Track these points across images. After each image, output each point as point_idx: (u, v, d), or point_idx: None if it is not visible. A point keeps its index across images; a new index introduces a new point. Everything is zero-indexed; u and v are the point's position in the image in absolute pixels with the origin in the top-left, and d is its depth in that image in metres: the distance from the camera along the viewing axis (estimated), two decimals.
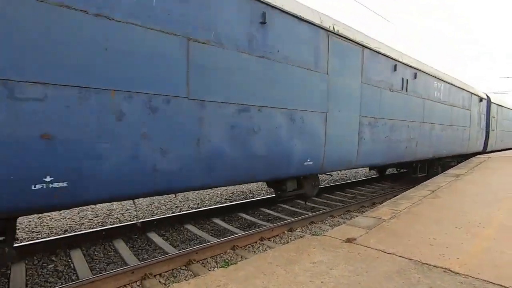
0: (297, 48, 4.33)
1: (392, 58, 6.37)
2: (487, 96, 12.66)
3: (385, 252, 3.01)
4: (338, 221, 5.51)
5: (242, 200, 6.75)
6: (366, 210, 6.06)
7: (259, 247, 4.18)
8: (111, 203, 6.18)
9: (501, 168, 8.78)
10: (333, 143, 4.97)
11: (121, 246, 4.11)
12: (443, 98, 8.63)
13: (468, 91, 10.43)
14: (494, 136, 13.75)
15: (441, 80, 8.51)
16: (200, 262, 3.64)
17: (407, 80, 6.88)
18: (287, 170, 4.38)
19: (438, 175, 7.71)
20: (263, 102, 3.91)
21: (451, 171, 8.41)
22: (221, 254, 3.86)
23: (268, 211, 6.10)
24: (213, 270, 3.38)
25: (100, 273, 3.41)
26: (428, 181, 6.93)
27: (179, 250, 3.86)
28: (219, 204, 6.37)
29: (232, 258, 3.79)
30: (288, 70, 4.20)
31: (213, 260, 3.74)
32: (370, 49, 5.73)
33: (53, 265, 3.64)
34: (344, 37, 5.11)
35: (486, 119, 12.48)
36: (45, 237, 4.45)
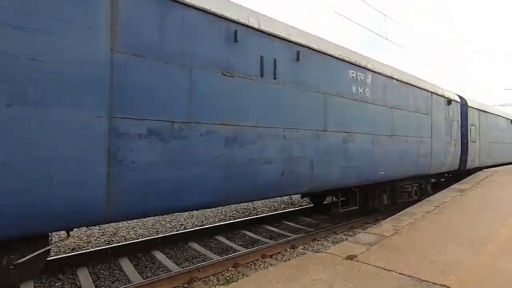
0: None
1: (225, 18, 3.61)
2: (460, 97, 9.91)
3: (385, 269, 3.03)
4: (341, 237, 5.51)
5: (245, 217, 6.79)
6: (370, 226, 6.04)
7: (260, 264, 4.22)
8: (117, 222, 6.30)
9: (509, 183, 8.66)
10: None
11: (126, 264, 4.19)
12: (372, 96, 5.80)
13: (425, 89, 7.63)
14: (477, 149, 10.73)
15: (365, 69, 5.65)
16: (202, 279, 3.69)
17: (274, 60, 4.08)
18: None
19: (443, 191, 7.63)
20: None
21: (456, 186, 8.32)
22: (223, 272, 3.91)
23: (271, 228, 6.13)
24: None
25: None
26: (432, 196, 6.89)
27: (182, 268, 3.93)
28: (223, 222, 6.43)
29: (234, 275, 3.84)
30: None
31: (215, 277, 3.79)
32: None
33: (60, 283, 3.73)
34: None
35: (461, 128, 9.71)
36: (53, 256, 4.57)
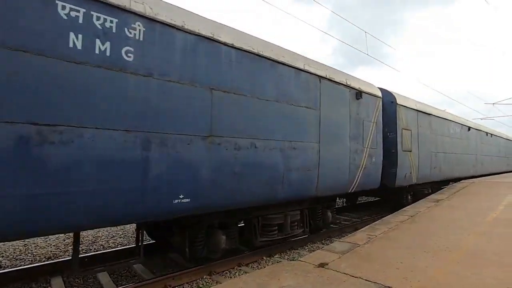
0: None
1: None
2: (382, 91, 7.32)
3: (353, 276, 3.14)
4: (318, 246, 5.61)
5: None
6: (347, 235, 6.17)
7: (236, 272, 4.27)
8: (97, 230, 6.26)
9: (483, 193, 8.97)
10: None
11: (102, 273, 4.17)
12: (148, 63, 3.25)
13: (304, 70, 5.09)
14: (413, 160, 8.17)
15: (124, 10, 3.08)
16: (176, 287, 3.72)
17: None
18: None
19: (419, 201, 7.83)
20: None
21: (432, 196, 8.56)
22: (197, 280, 3.95)
23: None
24: None
25: None
26: (408, 206, 7.09)
27: (156, 277, 3.94)
28: None
29: (208, 283, 3.88)
30: None
31: (189, 285, 3.82)
32: None
33: None
34: None
35: (387, 132, 7.34)
36: (28, 264, 4.51)
